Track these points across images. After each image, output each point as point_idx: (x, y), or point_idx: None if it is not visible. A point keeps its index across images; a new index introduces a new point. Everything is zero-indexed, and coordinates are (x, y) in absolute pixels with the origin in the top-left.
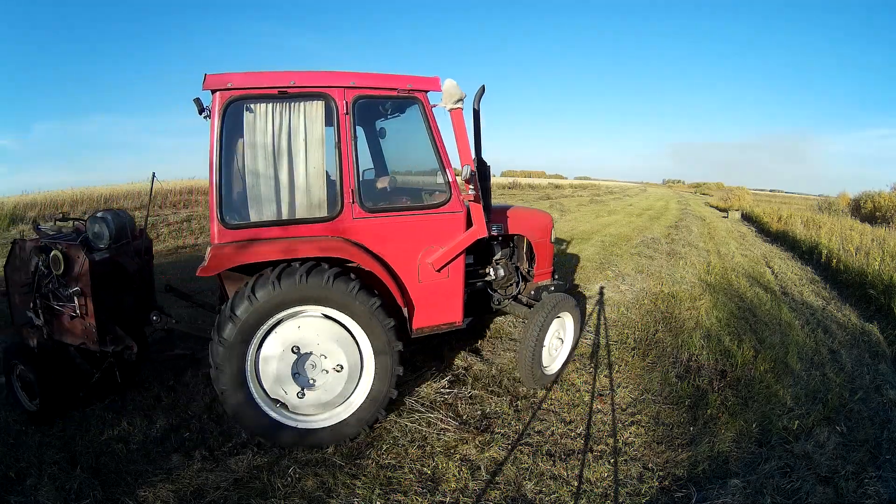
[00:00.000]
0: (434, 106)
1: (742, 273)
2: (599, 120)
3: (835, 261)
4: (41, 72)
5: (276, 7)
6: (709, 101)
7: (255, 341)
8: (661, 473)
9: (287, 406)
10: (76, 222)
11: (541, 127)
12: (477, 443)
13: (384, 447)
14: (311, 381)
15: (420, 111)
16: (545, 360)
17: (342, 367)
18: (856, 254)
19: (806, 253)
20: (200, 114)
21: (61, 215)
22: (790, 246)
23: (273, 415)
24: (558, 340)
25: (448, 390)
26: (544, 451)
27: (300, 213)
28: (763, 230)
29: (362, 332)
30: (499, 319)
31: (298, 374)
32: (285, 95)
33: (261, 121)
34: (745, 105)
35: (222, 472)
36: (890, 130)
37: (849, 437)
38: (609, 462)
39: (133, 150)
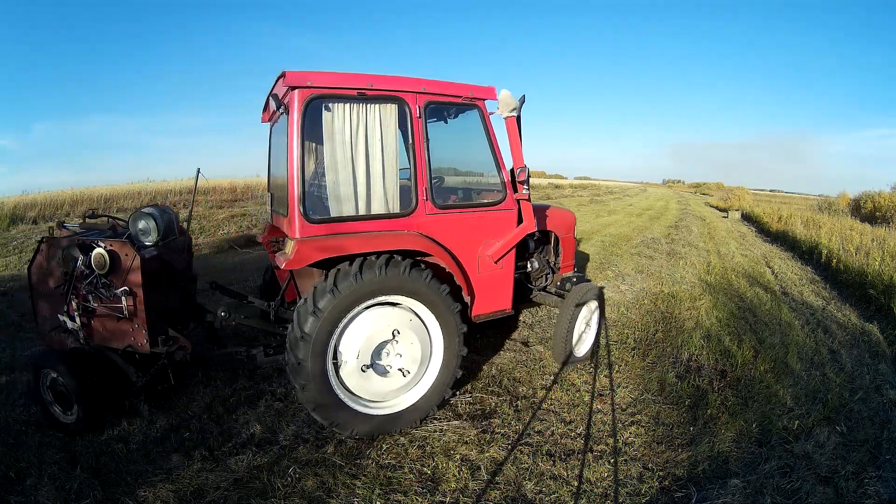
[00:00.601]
0: (491, 113)
1: (742, 273)
2: (599, 120)
3: (835, 261)
4: (41, 72)
5: (276, 7)
6: (709, 101)
7: (336, 334)
8: (661, 473)
9: (365, 395)
10: (111, 219)
11: (541, 127)
12: (477, 443)
13: (384, 447)
14: (387, 369)
15: (479, 117)
16: (576, 344)
17: (416, 353)
18: (856, 254)
19: (806, 253)
20: (277, 109)
21: (90, 212)
22: (790, 246)
23: (352, 405)
24: (586, 325)
25: (448, 390)
26: (544, 451)
27: (376, 209)
28: (763, 230)
29: (433, 317)
30: (499, 320)
31: (376, 362)
32: (363, 97)
33: (338, 120)
34: (745, 105)
35: (222, 472)
36: (890, 130)
37: (849, 437)
38: (609, 462)
39: (133, 150)
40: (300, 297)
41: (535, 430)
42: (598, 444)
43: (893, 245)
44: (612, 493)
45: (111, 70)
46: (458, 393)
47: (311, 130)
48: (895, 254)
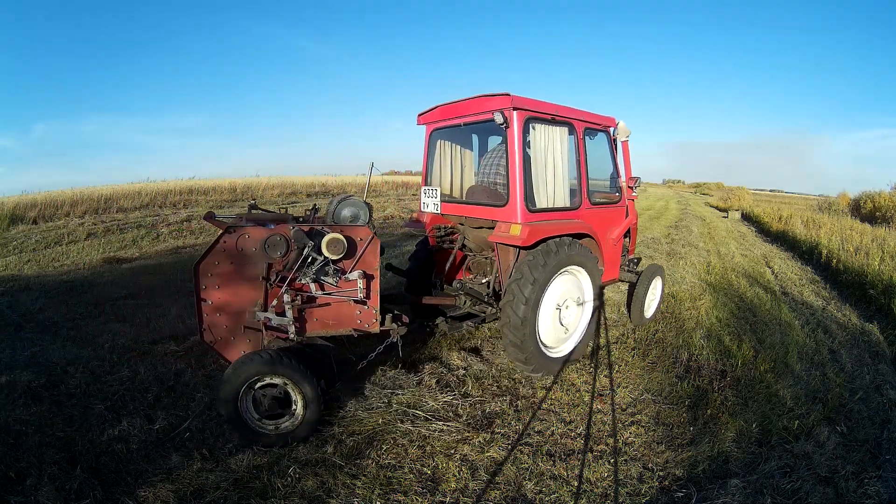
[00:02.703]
0: (614, 138)
1: (742, 273)
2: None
3: (835, 261)
4: (41, 72)
5: (276, 7)
6: (709, 101)
7: (542, 297)
8: (661, 473)
9: (550, 343)
10: (254, 209)
11: None
12: (477, 443)
13: (384, 447)
14: (562, 322)
15: (607, 139)
16: (646, 308)
17: (580, 306)
18: (856, 254)
19: (806, 253)
20: (500, 125)
21: (253, 203)
22: (790, 246)
23: (544, 351)
24: (654, 294)
25: (448, 390)
26: (544, 451)
27: (558, 204)
28: (763, 230)
29: (589, 283)
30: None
31: (558, 317)
32: (552, 121)
33: (539, 136)
34: (745, 105)
35: (222, 472)
36: (890, 130)
37: (849, 437)
38: (609, 462)
39: (133, 150)
40: (467, 274)
41: (535, 430)
42: (598, 444)
43: (893, 245)
44: (612, 493)
45: (111, 70)
46: (458, 393)
47: (526, 143)
48: (895, 254)
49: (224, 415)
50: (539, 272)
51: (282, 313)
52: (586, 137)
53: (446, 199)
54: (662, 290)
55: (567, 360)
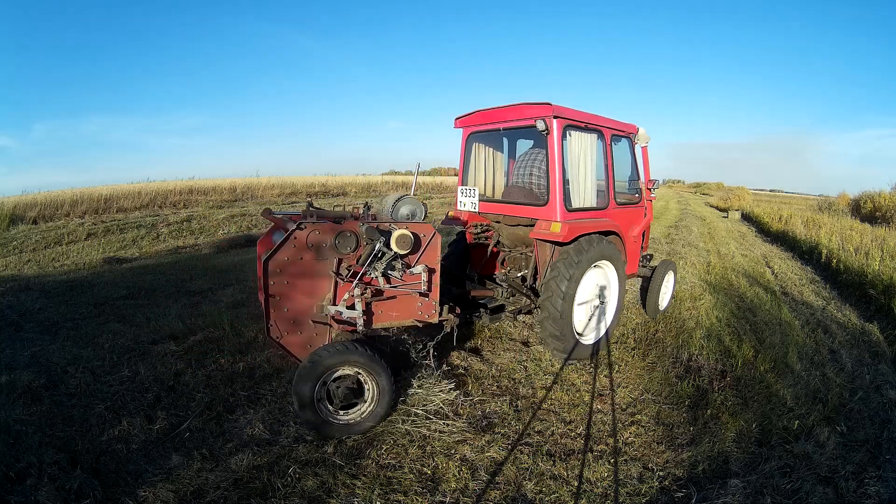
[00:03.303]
0: (635, 143)
1: (742, 273)
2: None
3: (835, 261)
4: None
5: (276, 7)
6: (709, 101)
7: (577, 290)
8: (661, 473)
9: (581, 330)
10: (344, 206)
11: None
12: (477, 443)
13: (384, 447)
14: (592, 310)
15: (629, 144)
16: (660, 301)
17: (609, 297)
18: (856, 254)
19: (806, 253)
20: (542, 132)
21: (310, 200)
22: (790, 246)
23: (578, 339)
24: (667, 287)
25: (448, 390)
26: (544, 451)
27: (588, 204)
28: (763, 230)
29: (615, 273)
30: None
31: (590, 307)
32: (584, 128)
33: (574, 142)
34: (744, 105)
35: (222, 472)
36: (890, 130)
37: (849, 437)
38: (609, 462)
39: (133, 150)
40: (501, 268)
41: (535, 430)
42: (598, 444)
43: (893, 245)
44: (612, 493)
45: (111, 70)
46: (458, 393)
47: (564, 149)
48: (895, 254)
49: (298, 406)
50: (574, 268)
51: (351, 307)
52: (613, 143)
53: (482, 198)
54: (675, 284)
55: (598, 346)
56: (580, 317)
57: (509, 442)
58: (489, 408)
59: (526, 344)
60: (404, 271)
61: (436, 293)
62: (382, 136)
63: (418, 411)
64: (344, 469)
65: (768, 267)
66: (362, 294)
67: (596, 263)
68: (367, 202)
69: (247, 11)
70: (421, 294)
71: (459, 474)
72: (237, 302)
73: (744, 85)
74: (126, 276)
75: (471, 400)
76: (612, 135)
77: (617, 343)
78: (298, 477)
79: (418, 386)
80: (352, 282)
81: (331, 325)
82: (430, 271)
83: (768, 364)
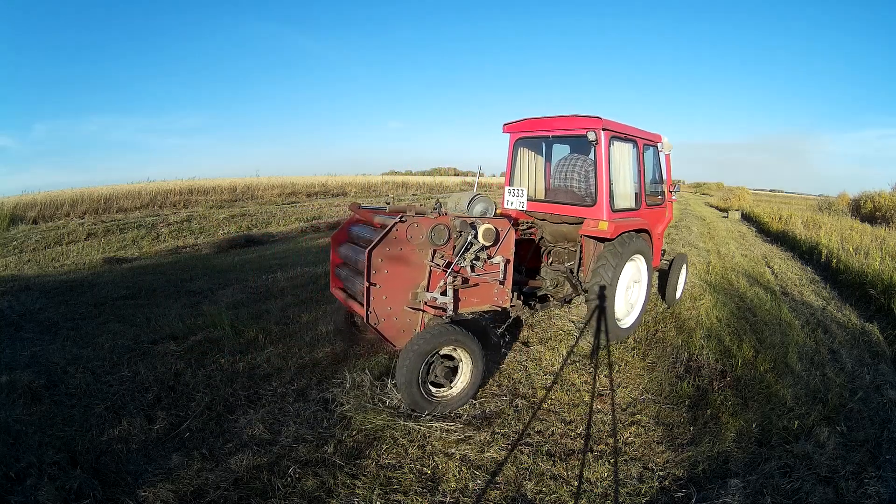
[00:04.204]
0: (660, 151)
1: (742, 273)
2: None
3: (835, 261)
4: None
5: (277, 6)
6: (709, 101)
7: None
8: (661, 473)
9: (620, 317)
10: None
11: None
12: (477, 443)
13: (384, 447)
14: (628, 298)
15: (655, 152)
16: (677, 290)
17: (640, 287)
18: (856, 254)
19: (806, 253)
20: (592, 142)
21: (391, 199)
22: (790, 246)
23: (618, 324)
24: (681, 278)
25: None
26: (544, 451)
27: (626, 205)
28: (763, 230)
29: (645, 266)
30: (501, 320)
31: (627, 295)
32: (623, 138)
33: (616, 151)
34: (744, 105)
35: (222, 472)
36: (890, 130)
37: (849, 437)
38: (609, 462)
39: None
40: (545, 261)
41: (535, 430)
42: (598, 444)
43: (893, 245)
44: (612, 493)
45: (111, 70)
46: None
47: (609, 157)
48: (895, 254)
49: (404, 384)
50: (618, 260)
51: (444, 293)
52: (644, 151)
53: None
54: (686, 275)
55: (632, 329)
56: (619, 303)
57: (509, 442)
58: (489, 408)
59: (526, 344)
60: (485, 261)
61: (510, 281)
62: (382, 136)
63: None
64: (344, 469)
65: (768, 267)
66: (453, 282)
67: (632, 257)
68: (436, 199)
69: (247, 11)
70: (499, 282)
71: (459, 474)
72: (237, 302)
73: (744, 85)
74: (126, 276)
75: (471, 400)
76: (644, 144)
77: (617, 343)
78: (298, 477)
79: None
80: (445, 271)
81: (424, 311)
82: (506, 262)
83: (768, 364)
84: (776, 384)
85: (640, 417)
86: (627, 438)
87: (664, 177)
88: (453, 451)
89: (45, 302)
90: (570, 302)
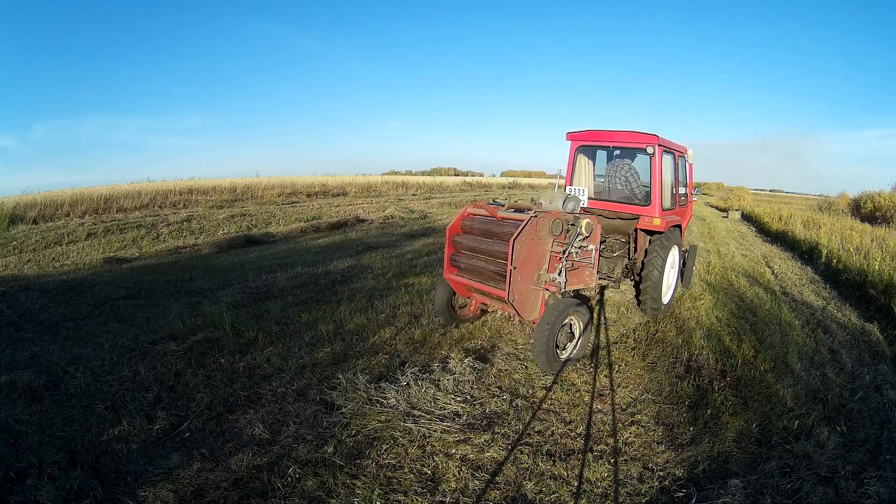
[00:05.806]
0: (687, 161)
1: (742, 273)
2: (599, 119)
3: (835, 261)
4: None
5: (277, 6)
6: (708, 101)
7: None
8: (661, 473)
9: (663, 294)
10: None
11: (541, 127)
12: (477, 443)
13: (384, 447)
14: (668, 277)
15: (683, 161)
16: (691, 276)
17: (674, 269)
18: (856, 254)
19: (806, 253)
20: (650, 155)
21: (494, 199)
22: (790, 246)
23: (662, 299)
24: (695, 266)
25: (448, 390)
26: (544, 451)
27: (669, 205)
28: (763, 230)
29: (678, 253)
30: (499, 320)
31: (669, 276)
32: (667, 150)
33: (662, 161)
34: (744, 105)
35: (222, 472)
36: (890, 130)
37: (849, 437)
38: (609, 462)
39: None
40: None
41: (535, 430)
42: (598, 444)
43: (893, 245)
44: (612, 493)
45: (111, 70)
46: (458, 393)
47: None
48: (895, 254)
49: (541, 349)
50: (666, 249)
51: (560, 274)
52: (678, 160)
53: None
54: (693, 270)
55: (668, 306)
56: (663, 284)
57: (509, 442)
58: (489, 408)
59: (526, 344)
60: (583, 249)
61: (597, 265)
62: (382, 137)
63: (418, 412)
64: (344, 469)
65: (768, 267)
66: (566, 265)
67: (673, 246)
68: (532, 199)
69: (247, 11)
70: (590, 265)
71: (459, 474)
72: (237, 302)
73: (744, 85)
74: (126, 276)
75: (471, 400)
76: (678, 155)
77: (617, 343)
78: (298, 477)
79: (415, 384)
80: (560, 256)
81: (546, 290)
82: (596, 249)
83: (768, 364)
84: (776, 384)
85: (640, 417)
86: (627, 438)
87: (688, 181)
88: (453, 451)
89: (45, 302)
90: (619, 284)
